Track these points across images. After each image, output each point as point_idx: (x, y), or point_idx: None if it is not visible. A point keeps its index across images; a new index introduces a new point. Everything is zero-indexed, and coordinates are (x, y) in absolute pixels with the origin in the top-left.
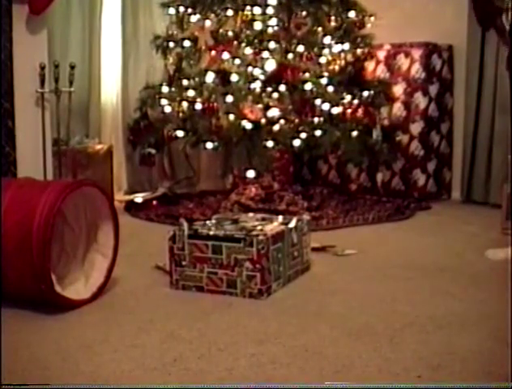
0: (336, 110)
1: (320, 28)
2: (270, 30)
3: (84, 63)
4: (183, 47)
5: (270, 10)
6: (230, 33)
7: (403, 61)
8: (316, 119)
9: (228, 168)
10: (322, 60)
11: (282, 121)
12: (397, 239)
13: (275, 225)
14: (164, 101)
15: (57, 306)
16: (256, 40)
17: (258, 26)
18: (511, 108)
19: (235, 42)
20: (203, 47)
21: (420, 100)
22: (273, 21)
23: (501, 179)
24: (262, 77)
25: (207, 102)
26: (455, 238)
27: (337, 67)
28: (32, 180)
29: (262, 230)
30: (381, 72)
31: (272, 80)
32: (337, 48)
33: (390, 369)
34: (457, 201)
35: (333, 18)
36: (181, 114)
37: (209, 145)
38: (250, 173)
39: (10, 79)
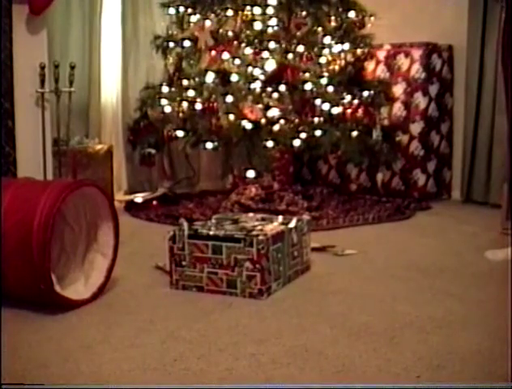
0: (336, 110)
1: (320, 28)
2: (270, 30)
3: (84, 63)
4: (183, 47)
5: (270, 10)
6: (230, 33)
7: (403, 62)
8: (316, 119)
9: (228, 168)
10: (322, 60)
11: (282, 121)
12: (397, 239)
13: (275, 225)
14: (164, 101)
15: (57, 306)
16: (256, 40)
17: (258, 26)
18: (507, 106)
19: (235, 42)
20: (203, 47)
21: (420, 100)
22: (273, 21)
23: (501, 179)
24: (262, 77)
25: (207, 102)
26: (455, 238)
27: (337, 67)
28: (32, 180)
29: (262, 230)
30: (381, 72)
31: (272, 80)
32: (337, 48)
33: (390, 369)
34: (457, 201)
35: (333, 18)
36: (181, 114)
37: (209, 145)
38: (250, 173)
39: (10, 79)
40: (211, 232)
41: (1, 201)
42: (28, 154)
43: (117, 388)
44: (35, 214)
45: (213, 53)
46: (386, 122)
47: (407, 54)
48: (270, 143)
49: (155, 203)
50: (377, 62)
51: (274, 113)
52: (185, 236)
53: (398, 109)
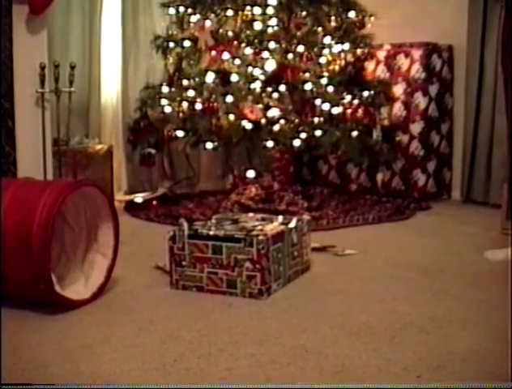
0: (336, 110)
1: (320, 28)
2: (270, 30)
3: (84, 63)
4: (183, 47)
5: (270, 10)
6: (230, 33)
7: (403, 62)
8: (316, 119)
9: (228, 168)
10: (322, 60)
11: (282, 122)
12: (397, 239)
13: (275, 225)
14: (164, 101)
15: (57, 306)
16: (256, 40)
17: (258, 26)
18: (507, 107)
19: (235, 42)
20: (203, 47)
21: (420, 100)
22: (273, 21)
23: (501, 179)
24: (262, 77)
25: (207, 102)
26: (455, 238)
27: (337, 67)
28: (32, 180)
29: (262, 230)
30: (381, 72)
31: (272, 80)
32: (337, 48)
33: (390, 369)
34: (457, 201)
35: (333, 18)
36: (181, 114)
37: (209, 145)
38: (250, 173)
39: (10, 79)
40: (211, 232)
41: (1, 201)
42: (28, 154)
43: (117, 388)
44: (35, 214)
45: (213, 53)
46: (386, 122)
47: (407, 54)
48: (270, 143)
49: (155, 203)
50: (377, 62)
51: (274, 113)
52: (185, 236)
53: (398, 108)
